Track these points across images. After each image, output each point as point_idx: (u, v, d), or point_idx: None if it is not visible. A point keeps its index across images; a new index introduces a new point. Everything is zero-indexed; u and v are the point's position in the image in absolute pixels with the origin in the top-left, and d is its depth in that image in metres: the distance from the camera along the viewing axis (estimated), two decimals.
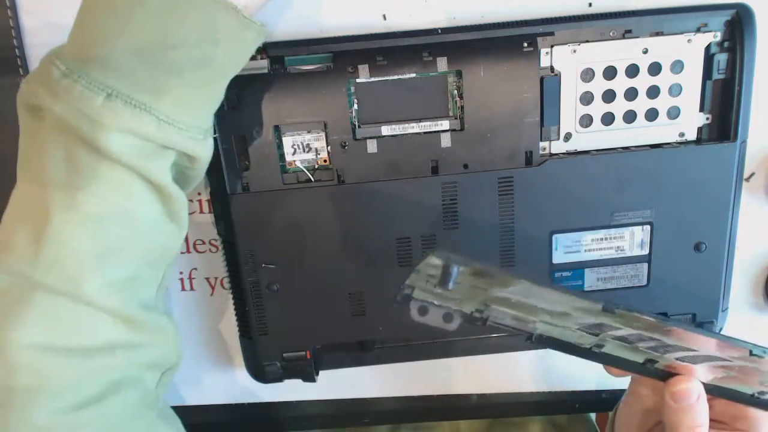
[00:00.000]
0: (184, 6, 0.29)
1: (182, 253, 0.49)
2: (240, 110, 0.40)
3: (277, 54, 0.40)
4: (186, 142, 0.33)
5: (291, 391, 0.52)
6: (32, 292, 0.32)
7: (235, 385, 0.52)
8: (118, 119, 0.31)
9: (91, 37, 0.30)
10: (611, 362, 0.37)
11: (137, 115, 0.31)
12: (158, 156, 0.33)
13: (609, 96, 0.42)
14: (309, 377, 0.47)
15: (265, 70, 0.40)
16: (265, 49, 0.40)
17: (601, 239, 0.44)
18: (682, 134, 0.43)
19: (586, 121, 0.43)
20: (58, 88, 0.31)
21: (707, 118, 0.43)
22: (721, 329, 0.47)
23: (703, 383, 0.37)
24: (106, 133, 0.31)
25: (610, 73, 0.42)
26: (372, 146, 0.41)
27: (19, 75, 0.43)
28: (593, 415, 0.62)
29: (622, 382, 0.46)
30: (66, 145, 0.32)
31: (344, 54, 0.40)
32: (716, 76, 0.42)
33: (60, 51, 0.32)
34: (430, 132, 0.42)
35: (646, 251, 0.45)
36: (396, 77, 0.41)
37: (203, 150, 0.35)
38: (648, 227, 0.44)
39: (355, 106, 0.41)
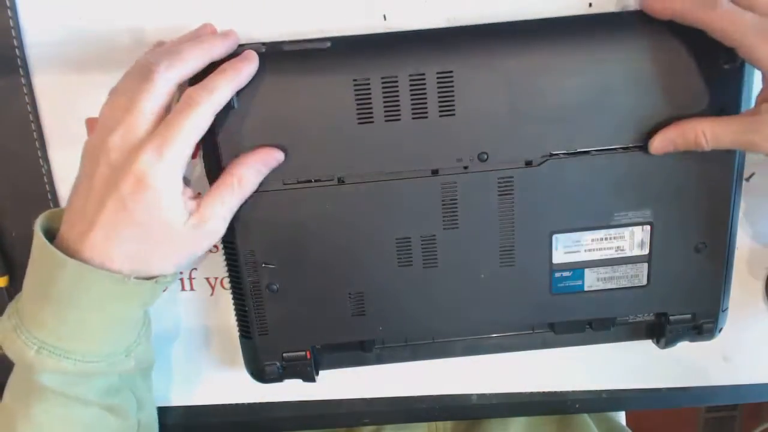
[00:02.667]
0: (92, 285, 0.38)
1: None
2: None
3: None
4: (105, 368, 0.41)
5: (291, 391, 0.52)
6: None
7: (235, 385, 0.52)
8: (46, 364, 0.39)
9: (29, 304, 0.40)
10: None
11: (59, 361, 0.39)
12: (83, 382, 0.41)
13: None
14: (309, 377, 0.47)
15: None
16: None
17: (601, 239, 0.44)
18: None
19: None
20: (6, 336, 0.40)
21: None
22: (720, 330, 0.47)
23: None
24: (38, 374, 0.40)
25: None
26: None
27: (19, 75, 0.43)
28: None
29: (621, 381, 0.47)
30: (19, 373, 0.42)
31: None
32: None
33: (18, 305, 0.41)
34: None
35: (646, 251, 0.45)
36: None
37: (125, 365, 0.42)
38: (648, 227, 0.44)
39: None
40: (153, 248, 0.38)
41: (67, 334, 0.39)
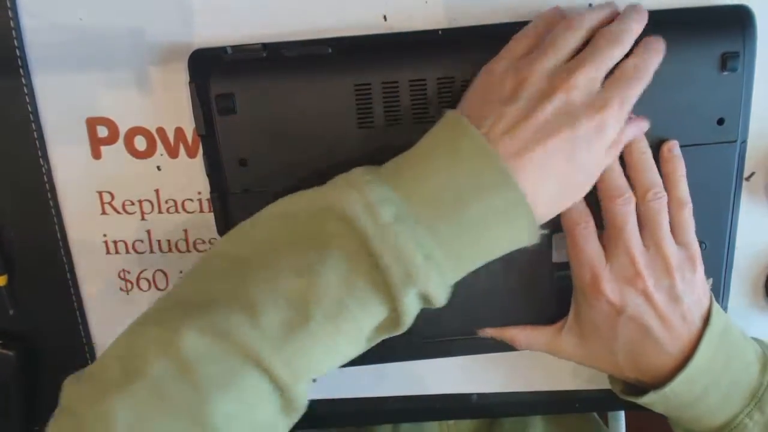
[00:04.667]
0: (511, 213, 0.34)
1: (182, 252, 0.49)
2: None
3: None
4: (443, 300, 0.35)
5: None
6: (252, 368, 0.32)
7: None
8: (426, 280, 0.33)
9: (429, 204, 0.33)
10: None
11: (438, 279, 0.33)
12: (420, 306, 0.35)
13: None
14: None
15: None
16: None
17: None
18: None
19: None
20: (386, 229, 0.32)
21: None
22: None
23: None
24: (410, 288, 0.33)
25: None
26: None
27: (19, 75, 0.43)
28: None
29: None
30: (354, 271, 0.33)
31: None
32: None
33: (386, 188, 0.33)
34: None
35: None
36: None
37: (446, 301, 0.36)
38: None
39: None
40: (554, 196, 0.36)
41: (455, 254, 0.34)
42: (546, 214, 0.37)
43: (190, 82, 0.41)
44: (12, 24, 0.42)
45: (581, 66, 0.36)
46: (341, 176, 0.35)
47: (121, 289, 0.50)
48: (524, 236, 0.36)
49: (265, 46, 0.40)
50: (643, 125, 0.40)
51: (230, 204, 0.42)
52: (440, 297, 0.34)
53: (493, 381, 0.53)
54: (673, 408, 0.43)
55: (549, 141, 0.34)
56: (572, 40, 0.37)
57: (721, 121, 0.42)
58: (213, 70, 0.40)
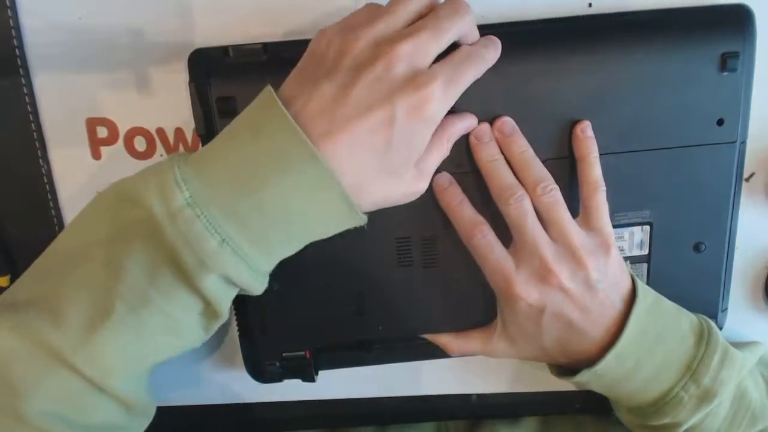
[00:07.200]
0: (319, 192, 0.33)
1: None
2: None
3: None
4: (257, 286, 0.35)
5: (291, 391, 0.52)
6: (59, 367, 0.32)
7: (235, 385, 0.52)
8: (222, 265, 0.32)
9: (227, 183, 0.32)
10: None
11: (237, 264, 0.33)
12: (231, 292, 0.35)
13: None
14: (309, 377, 0.47)
15: None
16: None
17: None
18: None
19: None
20: (178, 215, 0.32)
21: None
22: (720, 329, 0.47)
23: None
24: (206, 274, 0.32)
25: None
26: None
27: (19, 75, 0.43)
28: None
29: None
30: (155, 259, 0.32)
31: None
32: None
33: (185, 171, 0.33)
34: None
35: (645, 251, 0.45)
36: None
37: (262, 288, 0.36)
38: (647, 227, 0.44)
39: None
40: (376, 177, 0.34)
41: (258, 236, 0.33)
42: (374, 199, 0.35)
43: (190, 83, 0.41)
44: (12, 24, 0.42)
45: (412, 34, 0.33)
46: (162, 160, 0.35)
47: None
48: (341, 216, 0.34)
49: (265, 46, 0.40)
50: (470, 121, 0.39)
51: None
52: (247, 282, 0.34)
53: (493, 381, 0.53)
54: (608, 385, 0.43)
55: (363, 120, 0.32)
56: (413, 6, 0.34)
57: (720, 122, 0.42)
58: (213, 72, 0.40)
